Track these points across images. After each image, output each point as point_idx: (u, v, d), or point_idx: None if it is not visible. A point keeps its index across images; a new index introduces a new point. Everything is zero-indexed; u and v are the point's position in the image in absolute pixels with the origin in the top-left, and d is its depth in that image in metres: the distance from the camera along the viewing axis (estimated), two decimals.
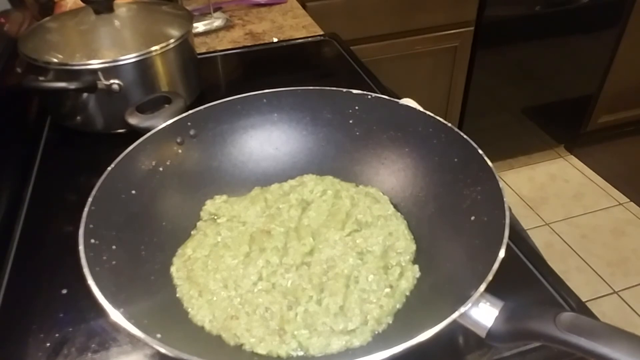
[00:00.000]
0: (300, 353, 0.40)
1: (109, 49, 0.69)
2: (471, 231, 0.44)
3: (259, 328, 0.41)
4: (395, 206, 0.53)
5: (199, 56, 0.85)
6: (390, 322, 0.42)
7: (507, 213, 0.40)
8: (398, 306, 0.43)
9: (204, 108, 0.55)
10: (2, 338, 0.46)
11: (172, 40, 0.70)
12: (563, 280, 0.49)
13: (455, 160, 0.49)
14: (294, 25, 1.08)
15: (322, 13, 1.24)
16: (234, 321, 0.42)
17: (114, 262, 0.41)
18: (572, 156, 2.06)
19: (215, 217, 0.52)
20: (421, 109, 0.54)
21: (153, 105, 0.58)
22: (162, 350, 0.32)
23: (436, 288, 0.43)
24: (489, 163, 0.45)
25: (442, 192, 0.50)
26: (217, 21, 1.06)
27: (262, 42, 1.01)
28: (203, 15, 1.08)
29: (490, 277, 0.35)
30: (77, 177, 0.64)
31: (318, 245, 0.48)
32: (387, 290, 0.44)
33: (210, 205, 0.53)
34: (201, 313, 0.43)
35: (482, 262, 0.37)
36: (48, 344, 0.45)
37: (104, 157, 0.47)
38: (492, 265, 0.36)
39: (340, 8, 1.36)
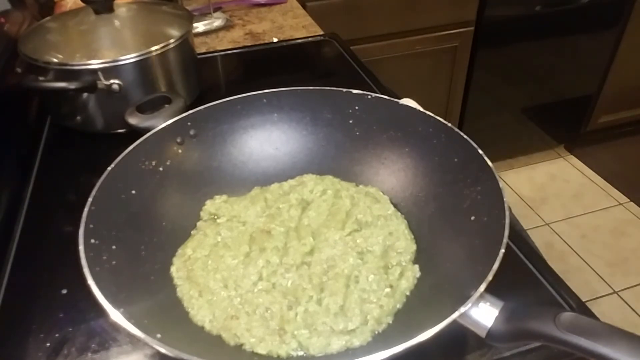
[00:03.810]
0: (300, 353, 0.40)
1: (109, 49, 0.69)
2: (471, 231, 0.44)
3: (259, 328, 0.41)
4: (395, 206, 0.53)
5: (199, 56, 0.85)
6: (390, 322, 0.42)
7: (507, 213, 0.40)
8: (398, 306, 0.43)
9: (204, 108, 0.55)
10: (2, 338, 0.46)
11: (172, 40, 0.70)
12: (563, 280, 0.49)
13: (455, 160, 0.49)
14: (294, 25, 1.08)
15: (322, 13, 1.24)
16: (234, 321, 0.42)
17: (114, 262, 0.41)
18: (572, 156, 2.06)
19: (215, 217, 0.52)
20: (421, 109, 0.54)
21: (153, 105, 0.58)
22: (162, 350, 0.32)
23: (436, 288, 0.43)
24: (489, 163, 0.45)
25: (442, 192, 0.50)
26: (217, 21, 1.06)
27: (262, 42, 1.02)
28: (203, 15, 1.08)
29: (490, 277, 0.35)
30: (77, 177, 0.64)
31: (318, 245, 0.48)
32: (387, 290, 0.44)
33: (210, 205, 0.53)
34: (201, 313, 0.43)
35: (482, 262, 0.37)
36: (48, 344, 0.45)
37: (104, 157, 0.47)
38: (492, 265, 0.36)
39: (340, 8, 1.36)
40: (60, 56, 0.66)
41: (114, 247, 0.42)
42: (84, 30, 0.72)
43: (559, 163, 2.04)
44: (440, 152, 0.51)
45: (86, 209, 0.41)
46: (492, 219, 0.41)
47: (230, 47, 1.00)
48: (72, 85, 0.65)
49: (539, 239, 1.69)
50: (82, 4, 0.74)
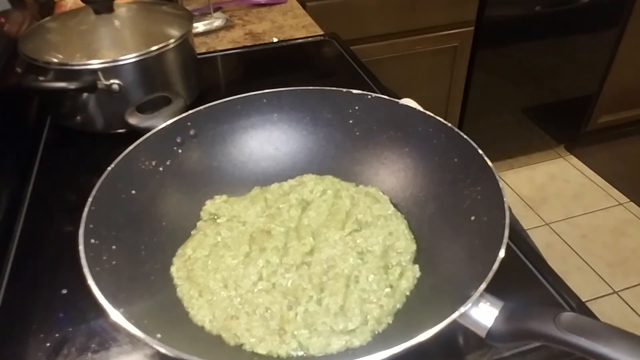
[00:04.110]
0: (300, 353, 0.40)
1: (109, 49, 0.69)
2: (471, 231, 0.44)
3: (259, 328, 0.41)
4: (395, 206, 0.53)
5: (199, 56, 0.85)
6: (391, 322, 0.42)
7: (507, 213, 0.40)
8: (398, 306, 0.43)
9: (204, 108, 0.55)
10: (2, 338, 0.46)
11: (172, 40, 0.70)
12: (563, 280, 0.49)
13: (455, 160, 0.49)
14: (294, 25, 1.08)
15: (322, 13, 1.24)
16: (234, 321, 0.42)
17: (114, 262, 0.41)
18: (572, 156, 2.06)
19: (215, 217, 0.52)
20: (421, 109, 0.54)
21: (153, 105, 0.58)
22: (162, 350, 0.32)
23: (436, 288, 0.43)
24: (489, 163, 0.45)
25: (442, 192, 0.50)
26: (217, 21, 1.06)
27: (262, 42, 1.02)
28: (203, 15, 1.08)
29: (490, 277, 0.35)
30: (77, 177, 0.64)
31: (318, 245, 0.48)
32: (387, 290, 0.44)
33: (210, 205, 0.53)
34: (201, 313, 0.43)
35: (482, 262, 0.37)
36: (48, 344, 0.45)
37: (104, 157, 0.47)
38: (492, 265, 0.36)
39: (340, 8, 1.36)
40: (60, 56, 0.66)
41: (114, 247, 0.42)
42: (84, 30, 0.72)
43: (559, 163, 2.04)
44: (440, 152, 0.51)
45: (86, 209, 0.41)
46: (492, 219, 0.41)
47: (230, 47, 1.00)
48: (72, 85, 0.65)
49: (539, 239, 1.69)
50: (82, 4, 0.74)
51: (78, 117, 0.72)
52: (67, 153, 0.72)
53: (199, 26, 1.04)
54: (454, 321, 0.33)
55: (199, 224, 0.52)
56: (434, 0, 1.43)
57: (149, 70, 0.70)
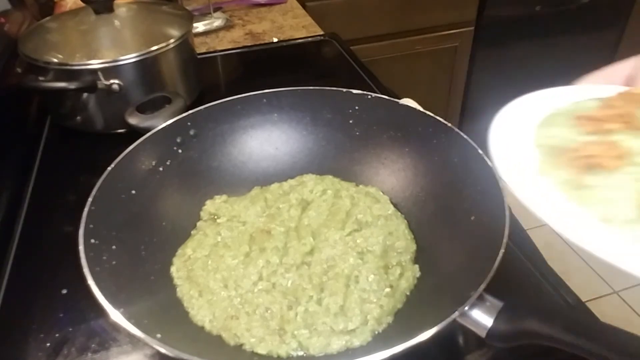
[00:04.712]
0: (300, 353, 0.40)
1: (109, 49, 0.69)
2: (471, 231, 0.44)
3: (259, 328, 0.41)
4: (395, 206, 0.53)
5: (199, 56, 0.85)
6: (391, 321, 0.42)
7: (507, 213, 0.40)
8: (398, 306, 0.43)
9: (204, 108, 0.55)
10: (2, 338, 0.46)
11: (172, 40, 0.70)
12: (563, 280, 0.49)
13: (455, 160, 0.49)
14: (294, 25, 1.08)
15: (322, 13, 1.24)
16: (234, 321, 0.42)
17: (114, 262, 0.41)
18: None
19: (215, 217, 0.52)
20: (421, 109, 0.54)
21: (153, 105, 0.59)
22: (162, 350, 0.32)
23: (436, 288, 0.43)
24: (489, 163, 0.45)
25: (442, 192, 0.50)
26: (217, 21, 1.06)
27: (262, 42, 1.01)
28: (203, 15, 1.08)
29: (490, 277, 0.35)
30: (77, 177, 0.64)
31: (318, 244, 0.48)
32: (388, 290, 0.44)
33: (210, 205, 0.53)
34: (201, 313, 0.43)
35: (482, 262, 0.37)
36: (48, 344, 0.45)
37: (104, 157, 0.47)
38: (492, 265, 0.36)
39: (340, 8, 1.36)
40: (60, 56, 0.66)
41: (114, 247, 0.42)
42: (84, 30, 0.72)
43: None
44: (440, 152, 0.51)
45: (86, 209, 0.42)
46: (492, 219, 0.41)
47: (230, 47, 1.00)
48: (72, 85, 0.65)
49: (539, 239, 1.69)
50: (82, 4, 0.74)
51: (78, 117, 0.72)
52: (67, 153, 0.72)
53: (199, 26, 1.04)
54: (454, 321, 0.33)
55: (199, 224, 0.52)
56: (434, 0, 1.43)
57: (149, 70, 0.70)
